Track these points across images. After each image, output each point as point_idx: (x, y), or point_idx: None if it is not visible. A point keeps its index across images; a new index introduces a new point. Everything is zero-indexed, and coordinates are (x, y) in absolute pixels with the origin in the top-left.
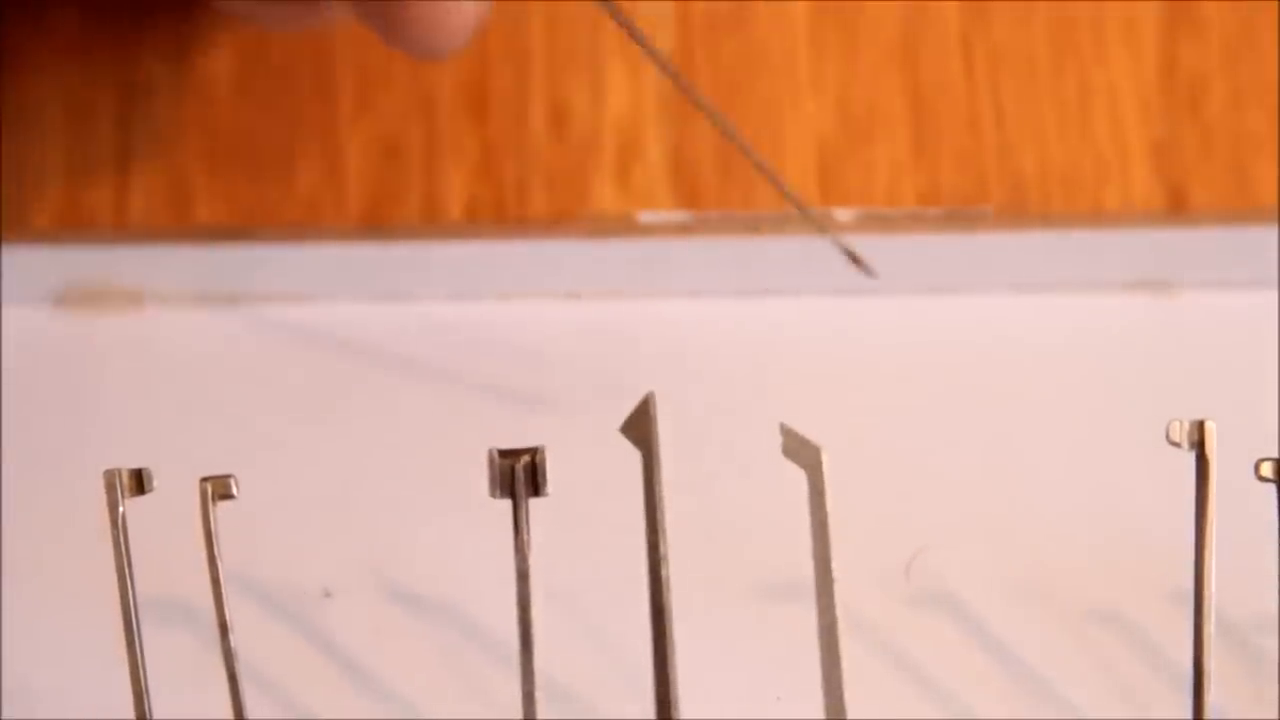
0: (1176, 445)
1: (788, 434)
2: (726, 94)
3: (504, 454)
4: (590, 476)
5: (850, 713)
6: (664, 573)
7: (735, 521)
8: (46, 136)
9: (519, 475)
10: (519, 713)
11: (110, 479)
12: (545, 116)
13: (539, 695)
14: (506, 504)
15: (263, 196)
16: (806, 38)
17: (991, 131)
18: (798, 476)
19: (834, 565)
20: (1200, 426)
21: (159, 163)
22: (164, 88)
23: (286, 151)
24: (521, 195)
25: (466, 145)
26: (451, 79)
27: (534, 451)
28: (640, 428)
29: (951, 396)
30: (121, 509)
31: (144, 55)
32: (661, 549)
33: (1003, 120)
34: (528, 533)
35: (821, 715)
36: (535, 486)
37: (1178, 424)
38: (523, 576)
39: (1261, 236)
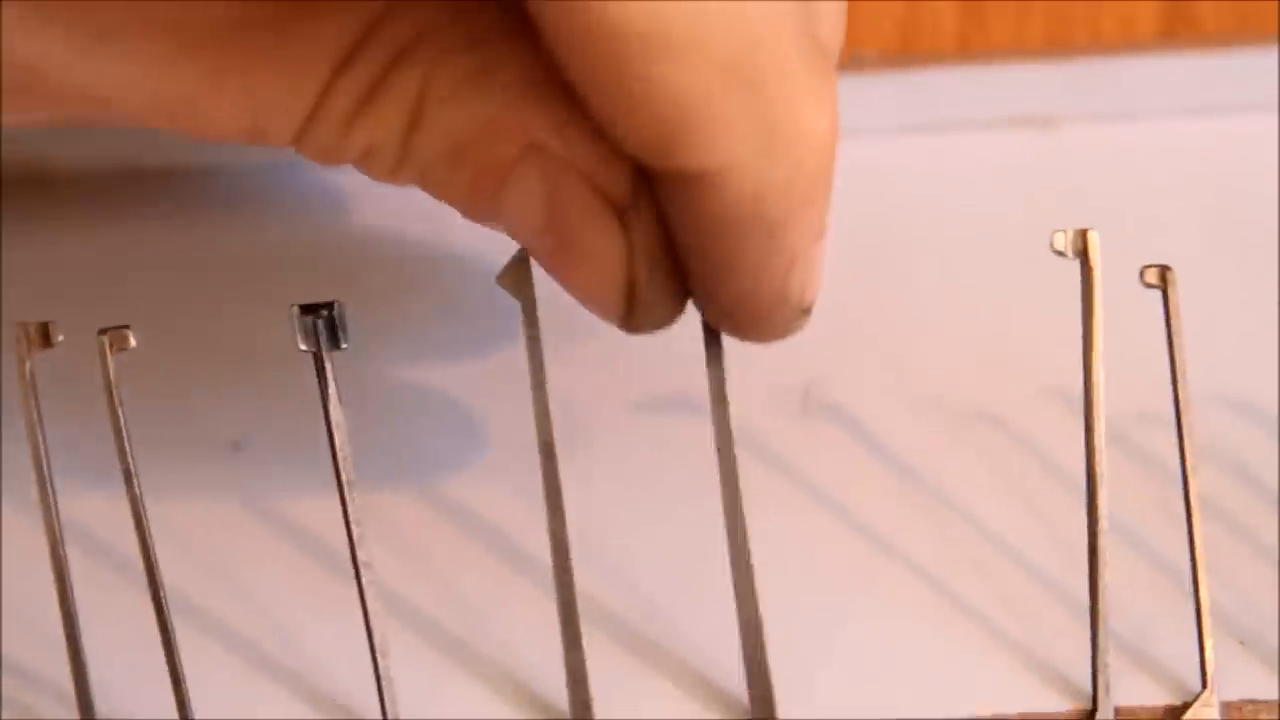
0: (1061, 254)
1: None
2: None
3: (304, 309)
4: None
5: (749, 528)
6: (547, 408)
7: (635, 352)
8: None
9: (320, 329)
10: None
11: (18, 332)
12: None
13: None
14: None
15: None
16: None
17: None
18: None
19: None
20: (1083, 235)
21: None
22: None
23: None
24: None
25: None
26: None
27: (331, 306)
28: (517, 278)
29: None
30: (29, 362)
31: None
32: (544, 390)
33: None
34: (333, 383)
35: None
36: (335, 340)
37: (1062, 234)
38: (338, 426)
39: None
